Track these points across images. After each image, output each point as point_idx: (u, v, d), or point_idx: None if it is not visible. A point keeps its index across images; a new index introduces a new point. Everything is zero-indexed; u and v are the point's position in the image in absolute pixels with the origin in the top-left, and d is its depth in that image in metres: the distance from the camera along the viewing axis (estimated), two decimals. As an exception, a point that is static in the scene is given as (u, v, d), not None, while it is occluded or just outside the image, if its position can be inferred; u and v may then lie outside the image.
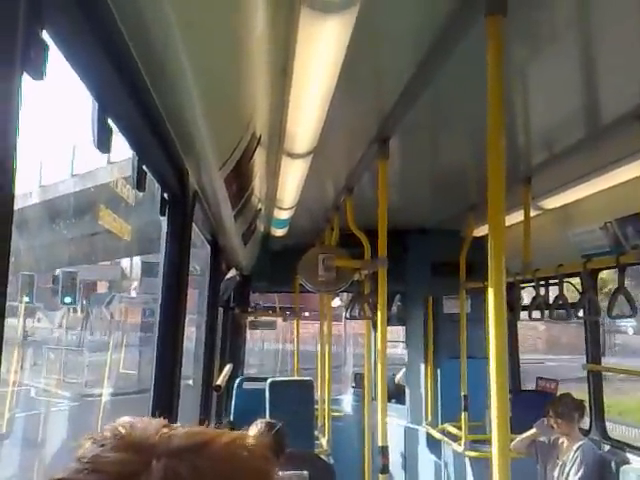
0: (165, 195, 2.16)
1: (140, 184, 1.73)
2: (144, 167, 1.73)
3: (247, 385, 6.94)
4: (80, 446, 0.69)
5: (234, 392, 6.72)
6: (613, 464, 4.71)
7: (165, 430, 0.69)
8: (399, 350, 8.54)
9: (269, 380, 6.66)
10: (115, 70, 1.31)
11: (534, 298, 4.65)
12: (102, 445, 0.67)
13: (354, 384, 8.28)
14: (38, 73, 0.95)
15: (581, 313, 4.60)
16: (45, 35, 0.98)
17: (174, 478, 0.62)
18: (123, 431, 0.68)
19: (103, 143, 1.34)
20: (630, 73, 2.73)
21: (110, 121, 1.37)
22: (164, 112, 1.64)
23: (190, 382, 4.37)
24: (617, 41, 2.45)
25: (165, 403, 2.21)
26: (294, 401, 6.22)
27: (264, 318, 8.36)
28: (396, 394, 7.51)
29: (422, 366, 6.92)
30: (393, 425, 6.97)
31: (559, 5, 2.19)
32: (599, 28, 2.39)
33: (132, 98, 1.46)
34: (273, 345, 22.15)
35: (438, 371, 6.75)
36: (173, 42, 1.35)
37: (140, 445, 0.66)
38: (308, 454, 5.08)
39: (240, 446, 0.69)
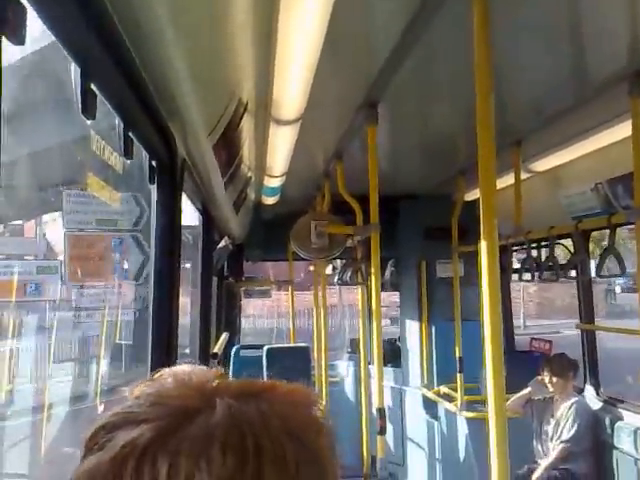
0: (153, 163, 2.16)
1: (127, 151, 1.73)
2: (130, 134, 1.72)
3: (244, 353, 7.01)
4: (133, 390, 0.66)
5: (231, 360, 6.79)
6: (607, 420, 4.80)
7: (222, 376, 0.68)
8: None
9: (266, 347, 6.73)
10: (97, 35, 1.30)
11: (525, 260, 4.68)
12: (162, 385, 0.65)
13: (350, 349, 8.37)
14: (17, 37, 0.94)
15: (573, 273, 4.64)
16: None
17: (240, 416, 0.61)
18: (182, 375, 0.67)
19: (88, 109, 1.34)
20: (616, 35, 2.72)
21: (94, 87, 1.36)
22: (148, 78, 1.63)
23: (187, 351, 4.42)
24: (603, 3, 2.44)
25: (162, 363, 2.24)
26: (291, 367, 6.30)
27: (258, 287, 8.40)
28: (392, 357, 7.59)
29: (417, 330, 6.99)
30: (389, 388, 7.08)
31: None
32: None
33: (115, 64, 1.45)
34: (266, 322, 21.39)
35: (433, 334, 6.82)
36: (156, 8, 1.34)
37: (202, 386, 0.64)
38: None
39: (299, 394, 0.69)
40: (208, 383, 0.65)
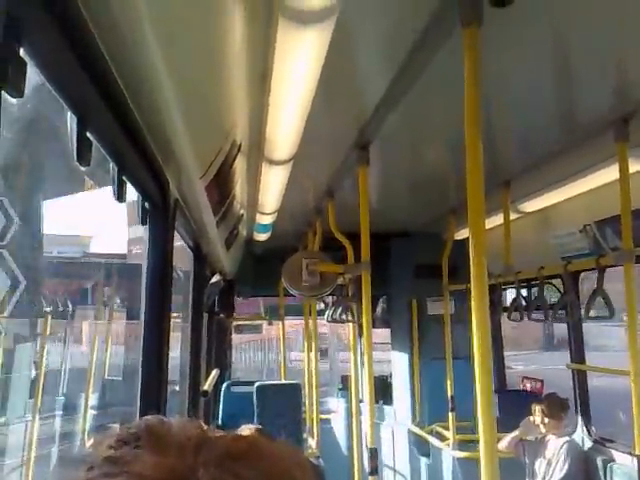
0: (146, 204, 2.17)
1: (120, 195, 1.74)
2: (124, 177, 1.74)
3: (234, 389, 6.95)
4: (98, 443, 0.60)
5: (222, 396, 6.73)
6: (598, 461, 4.77)
7: (203, 433, 0.61)
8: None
9: (256, 384, 6.68)
10: (93, 83, 1.32)
11: (514, 299, 4.71)
12: (136, 445, 0.58)
13: (341, 386, 8.31)
14: (17, 90, 0.96)
15: (562, 313, 4.65)
16: (23, 52, 0.99)
17: None
18: (159, 430, 0.60)
19: (83, 157, 1.35)
20: (604, 81, 2.78)
21: (89, 134, 1.38)
22: (143, 123, 1.65)
23: (177, 388, 4.38)
24: (591, 49, 2.50)
25: (152, 410, 2.23)
26: (282, 404, 6.25)
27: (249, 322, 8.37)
28: (383, 395, 7.54)
29: (408, 367, 6.97)
30: (381, 426, 7.02)
31: (534, 15, 2.23)
32: (574, 36, 2.43)
33: (111, 110, 1.47)
34: (258, 355, 20.78)
35: (424, 372, 6.80)
36: (151, 53, 1.37)
37: (183, 451, 0.57)
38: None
39: (287, 455, 0.65)
40: (191, 442, 0.59)
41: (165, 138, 1.84)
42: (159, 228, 2.30)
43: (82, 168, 1.37)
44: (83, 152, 1.34)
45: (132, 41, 1.31)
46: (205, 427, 0.64)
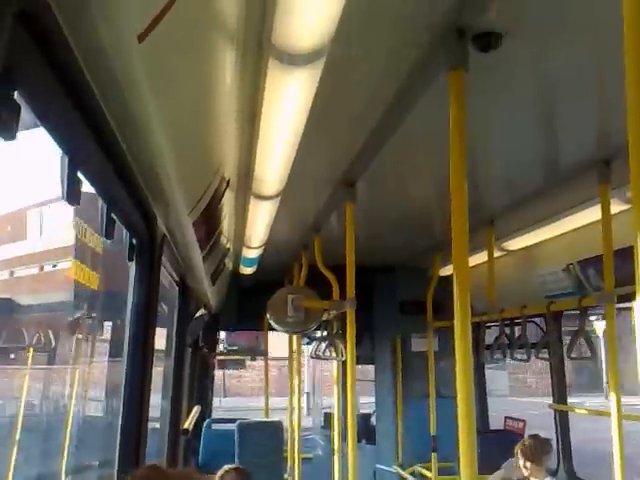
0: (133, 240, 2.18)
1: (108, 231, 1.75)
2: (112, 215, 1.75)
3: (216, 426, 6.85)
4: None
5: (202, 434, 6.63)
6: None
7: None
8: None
9: (238, 422, 6.59)
10: (84, 124, 1.33)
11: (497, 338, 4.71)
12: None
13: (323, 424, 8.23)
14: (9, 133, 0.96)
15: (543, 353, 4.65)
16: (17, 95, 1.00)
17: None
18: None
19: (72, 196, 1.36)
20: (586, 124, 2.84)
21: (80, 173, 1.39)
22: (133, 161, 1.66)
23: (157, 425, 4.31)
24: (575, 91, 2.56)
25: (132, 449, 2.20)
26: (263, 443, 6.17)
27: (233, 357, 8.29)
28: (366, 434, 7.47)
29: (391, 405, 6.91)
30: (364, 466, 6.93)
31: (518, 60, 2.29)
32: (557, 78, 2.48)
33: (102, 150, 1.48)
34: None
35: (408, 410, 6.75)
36: (141, 94, 1.38)
37: None
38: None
39: None
40: None
41: (154, 175, 1.85)
42: (146, 264, 2.30)
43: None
44: (73, 191, 1.35)
45: (123, 82, 1.32)
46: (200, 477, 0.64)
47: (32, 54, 1.00)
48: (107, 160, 1.51)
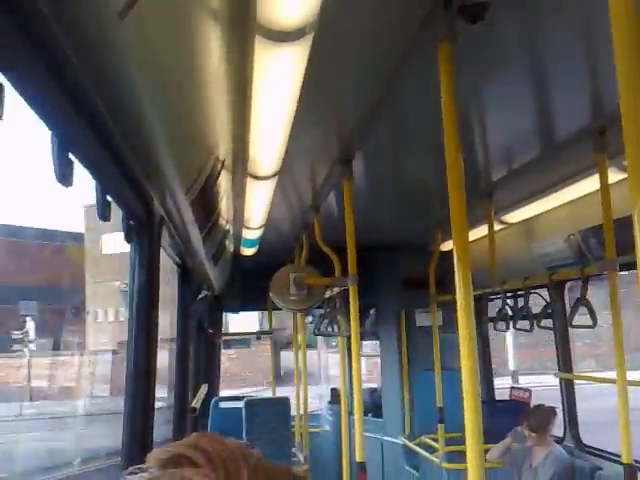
0: (131, 222, 2.19)
1: (104, 213, 1.76)
2: (108, 197, 1.76)
3: (223, 405, 6.92)
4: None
5: (210, 412, 6.70)
6: (585, 469, 4.79)
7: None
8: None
9: (245, 399, 6.66)
10: (73, 104, 1.33)
11: (500, 310, 4.73)
12: None
13: (330, 399, 8.30)
14: None
15: (545, 323, 4.68)
16: (1, 77, 1.01)
17: None
18: None
19: (65, 177, 1.37)
20: (581, 90, 2.82)
21: (71, 155, 1.39)
22: (125, 142, 1.67)
23: (165, 404, 4.37)
24: (567, 60, 2.54)
25: (139, 428, 2.22)
26: (271, 419, 6.23)
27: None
28: (373, 407, 7.53)
29: (397, 379, 6.97)
30: (371, 438, 7.00)
31: (507, 28, 2.28)
32: (548, 48, 2.47)
33: (92, 131, 1.49)
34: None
35: (414, 383, 6.80)
36: (131, 73, 1.38)
37: None
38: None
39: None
40: None
41: (148, 156, 1.86)
42: (145, 245, 2.31)
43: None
44: (64, 172, 1.36)
45: (108, 61, 1.33)
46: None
47: (14, 36, 1.01)
48: (98, 141, 1.52)
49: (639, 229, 1.31)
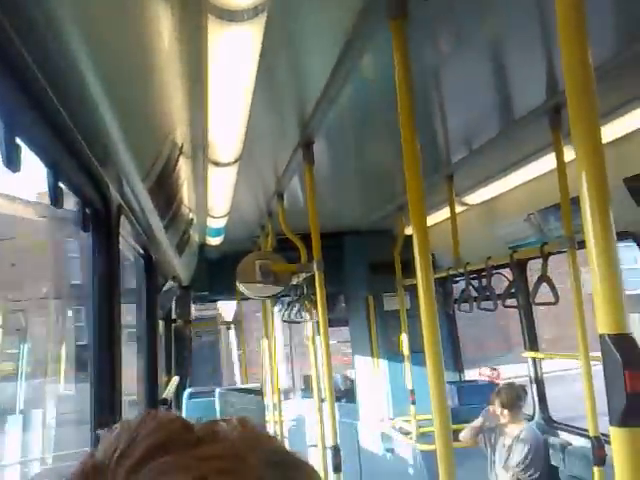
0: (86, 210, 2.15)
1: (56, 200, 1.72)
2: (60, 183, 1.72)
3: (196, 396, 6.90)
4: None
5: (183, 404, 6.68)
6: (557, 445, 4.89)
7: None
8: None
9: (218, 390, 6.65)
10: (19, 87, 1.31)
11: (463, 290, 4.79)
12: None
13: (303, 386, 8.34)
14: None
15: (509, 302, 4.74)
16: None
17: None
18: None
19: (12, 162, 1.34)
20: (537, 68, 2.85)
21: (18, 139, 1.37)
22: (76, 126, 1.64)
23: (135, 397, 4.33)
24: (522, 38, 2.56)
25: (106, 421, 2.19)
26: (244, 409, 6.23)
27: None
28: (345, 393, 7.59)
29: (369, 363, 7.02)
30: (346, 424, 7.05)
31: (462, 6, 2.28)
32: (504, 26, 2.49)
33: (40, 115, 1.46)
34: None
35: (385, 367, 6.85)
36: (79, 56, 1.36)
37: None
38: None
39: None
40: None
41: (101, 141, 1.84)
42: (102, 234, 2.28)
43: None
44: (11, 157, 1.33)
45: (58, 43, 1.30)
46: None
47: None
48: (46, 125, 1.49)
49: (586, 208, 1.34)
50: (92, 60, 1.40)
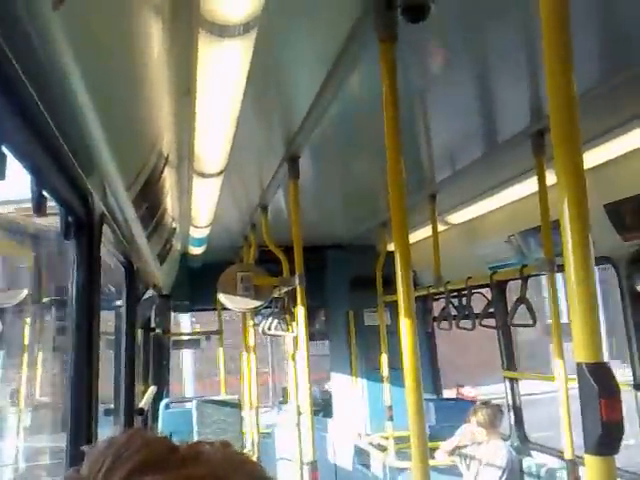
0: (69, 218, 2.15)
1: (39, 208, 1.72)
2: (43, 192, 1.72)
3: (173, 407, 6.86)
4: None
5: (160, 414, 6.63)
6: (532, 466, 4.90)
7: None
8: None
9: (195, 400, 6.61)
10: (6, 96, 1.31)
11: (443, 308, 4.81)
12: None
13: (282, 399, 8.30)
14: None
15: (488, 322, 4.77)
16: None
17: None
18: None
19: None
20: (519, 94, 2.89)
21: (4, 148, 1.37)
22: (61, 135, 1.64)
23: (112, 406, 4.30)
24: (507, 63, 2.61)
25: (83, 430, 2.18)
26: (221, 420, 6.21)
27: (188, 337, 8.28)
28: (324, 407, 7.57)
29: (347, 379, 7.01)
30: (323, 438, 7.03)
31: (451, 30, 2.32)
32: (489, 51, 2.53)
33: (26, 124, 1.46)
34: None
35: (364, 383, 6.85)
36: (66, 64, 1.36)
37: None
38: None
39: None
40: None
41: (86, 150, 1.83)
42: (85, 243, 2.27)
43: None
44: None
45: (46, 53, 1.30)
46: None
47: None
48: (32, 134, 1.49)
49: (566, 233, 1.36)
50: (80, 69, 1.41)
